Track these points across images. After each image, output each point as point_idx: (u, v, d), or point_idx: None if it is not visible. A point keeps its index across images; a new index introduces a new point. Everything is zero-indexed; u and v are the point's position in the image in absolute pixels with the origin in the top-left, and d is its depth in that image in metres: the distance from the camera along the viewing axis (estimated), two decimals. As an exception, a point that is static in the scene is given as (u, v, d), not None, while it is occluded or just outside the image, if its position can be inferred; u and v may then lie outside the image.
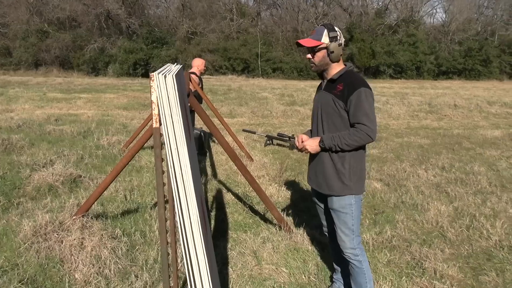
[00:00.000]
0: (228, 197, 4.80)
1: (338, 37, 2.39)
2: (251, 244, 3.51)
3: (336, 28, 2.42)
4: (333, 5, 34.15)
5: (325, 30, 2.39)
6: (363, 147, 2.47)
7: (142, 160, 5.98)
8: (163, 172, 1.88)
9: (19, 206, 4.02)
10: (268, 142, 7.47)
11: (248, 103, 13.41)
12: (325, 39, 2.38)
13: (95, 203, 4.03)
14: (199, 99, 6.47)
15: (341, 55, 2.43)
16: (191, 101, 3.27)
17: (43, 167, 5.17)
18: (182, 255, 1.78)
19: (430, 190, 5.07)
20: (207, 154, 6.58)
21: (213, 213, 4.34)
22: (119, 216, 3.93)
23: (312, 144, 2.44)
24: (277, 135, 7.30)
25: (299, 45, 2.45)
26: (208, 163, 6.16)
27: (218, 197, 4.78)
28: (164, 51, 29.14)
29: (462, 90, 21.51)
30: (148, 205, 4.40)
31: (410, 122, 11.09)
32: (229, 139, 7.26)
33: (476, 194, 4.98)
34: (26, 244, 3.20)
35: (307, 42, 2.41)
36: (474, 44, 32.15)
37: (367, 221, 4.16)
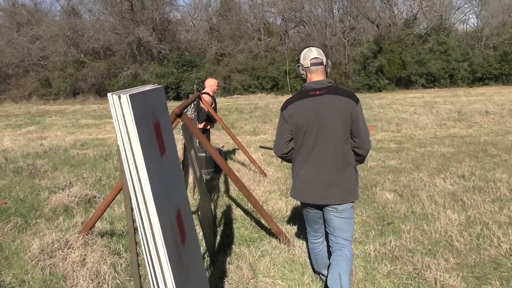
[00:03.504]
0: (237, 212, 4.85)
1: (299, 59, 2.77)
2: (250, 258, 3.54)
3: (303, 52, 2.77)
4: (360, 18, 34.02)
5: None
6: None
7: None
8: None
9: (33, 227, 4.23)
10: None
11: (272, 120, 13.49)
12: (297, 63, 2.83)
13: (104, 221, 4.19)
14: (212, 118, 6.61)
15: (302, 74, 2.75)
16: (184, 120, 3.38)
17: (62, 189, 5.42)
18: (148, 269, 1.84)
19: (444, 199, 4.93)
20: (222, 172, 6.66)
21: (220, 229, 4.39)
22: (125, 233, 4.05)
23: None
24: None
25: None
26: (222, 179, 6.24)
27: (227, 212, 4.84)
28: (194, 73, 29.84)
29: (498, 96, 20.74)
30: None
31: (437, 131, 10.81)
32: (242, 156, 7.36)
33: (494, 202, 4.80)
34: (33, 262, 3.36)
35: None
36: (510, 48, 31.04)
37: (373, 232, 4.09)
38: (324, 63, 2.73)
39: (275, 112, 16.32)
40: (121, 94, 1.82)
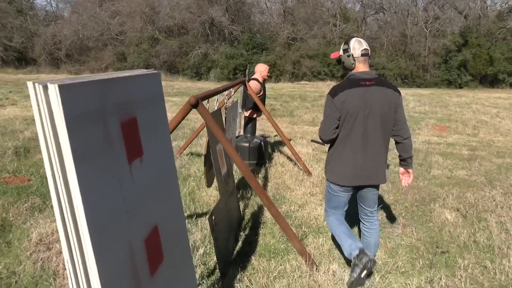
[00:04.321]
0: (268, 215, 4.33)
1: (349, 49, 2.81)
2: (264, 277, 3.02)
3: (352, 41, 2.83)
4: (446, 7, 31.45)
5: (343, 44, 2.90)
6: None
7: (191, 168, 5.78)
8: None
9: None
10: None
11: (334, 111, 12.70)
12: (341, 52, 2.89)
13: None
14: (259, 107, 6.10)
15: (352, 64, 2.81)
16: (200, 110, 2.90)
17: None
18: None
19: (518, 228, 4.06)
20: (265, 165, 6.16)
21: (244, 233, 3.92)
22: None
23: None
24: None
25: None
26: (262, 174, 5.74)
27: (256, 214, 4.34)
28: (264, 56, 29.41)
29: None
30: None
31: (521, 139, 9.48)
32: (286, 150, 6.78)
33: None
34: (28, 252, 3.10)
35: (333, 54, 2.99)
36: None
37: (421, 262, 3.39)
38: (369, 55, 2.89)
39: (340, 102, 15.44)
40: (48, 83, 1.35)
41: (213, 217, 3.16)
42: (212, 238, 3.04)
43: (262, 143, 6.27)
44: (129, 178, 1.70)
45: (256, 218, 4.24)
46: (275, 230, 3.99)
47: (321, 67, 29.37)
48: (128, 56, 31.70)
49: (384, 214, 4.44)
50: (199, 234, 3.72)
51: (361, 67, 2.80)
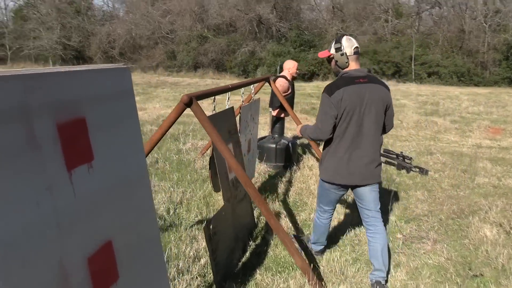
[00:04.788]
0: (284, 223, 4.03)
1: (342, 47, 2.76)
2: (261, 297, 2.74)
3: (344, 39, 2.79)
4: (508, 0, 29.31)
5: (333, 42, 2.84)
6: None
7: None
8: None
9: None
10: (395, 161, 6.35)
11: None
12: (332, 51, 2.82)
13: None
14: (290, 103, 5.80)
15: (346, 62, 2.78)
16: (194, 110, 2.65)
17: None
18: None
19: None
20: (292, 167, 5.84)
21: (254, 243, 3.64)
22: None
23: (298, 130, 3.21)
24: (383, 152, 6.16)
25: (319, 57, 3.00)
26: (286, 178, 5.43)
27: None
28: (311, 54, 28.86)
29: None
30: (191, 222, 3.93)
31: None
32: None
33: None
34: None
35: (322, 54, 2.93)
36: None
37: (447, 287, 2.96)
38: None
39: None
40: None
41: (210, 226, 2.91)
42: (207, 248, 2.80)
43: (290, 144, 5.96)
44: (66, 186, 1.46)
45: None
46: (289, 240, 3.68)
47: (370, 64, 28.33)
48: (178, 54, 32.23)
49: (413, 227, 4.00)
50: (204, 242, 3.49)
51: (353, 65, 2.81)
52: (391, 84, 24.82)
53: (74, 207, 1.44)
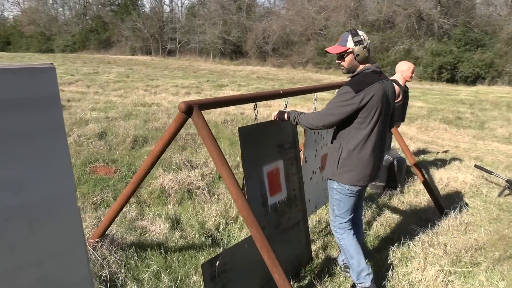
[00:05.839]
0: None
1: (363, 40, 2.54)
2: None
3: (360, 32, 2.56)
4: None
5: (350, 36, 2.55)
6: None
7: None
8: None
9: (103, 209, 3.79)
10: (508, 190, 4.93)
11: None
12: (350, 44, 2.54)
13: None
14: (397, 113, 4.83)
15: (367, 56, 2.57)
16: (194, 121, 2.12)
17: (194, 168, 4.89)
18: None
19: None
20: (394, 190, 4.85)
21: (304, 282, 2.97)
22: (173, 249, 3.14)
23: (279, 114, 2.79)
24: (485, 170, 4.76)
25: (328, 52, 2.65)
26: (381, 202, 4.49)
27: (324, 263, 3.29)
28: (478, 54, 25.33)
29: None
30: (232, 241, 3.43)
31: None
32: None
33: None
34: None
35: (334, 49, 2.60)
36: None
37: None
38: None
39: None
40: None
41: (216, 263, 2.36)
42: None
43: (396, 161, 4.97)
44: None
45: (327, 263, 3.21)
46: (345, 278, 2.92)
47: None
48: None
49: None
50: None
51: (369, 60, 2.63)
52: None
53: None
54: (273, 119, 2.80)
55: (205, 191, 4.17)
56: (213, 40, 37.30)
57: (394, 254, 3.33)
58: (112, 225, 3.28)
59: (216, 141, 2.16)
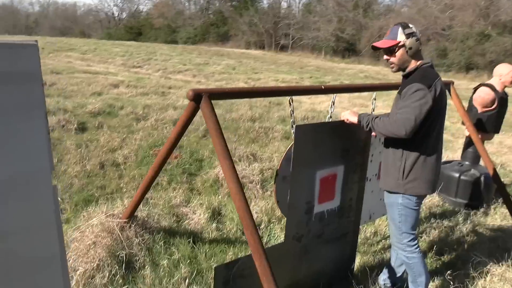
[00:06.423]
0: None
1: (415, 32, 2.34)
2: None
3: (411, 25, 2.37)
4: None
5: (400, 28, 2.35)
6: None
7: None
8: None
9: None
10: None
11: None
12: (401, 37, 2.34)
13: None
14: (491, 126, 4.23)
15: (419, 50, 2.38)
16: (203, 110, 2.01)
17: (254, 161, 4.78)
18: None
19: None
20: (478, 210, 4.23)
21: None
22: (205, 240, 3.09)
23: (348, 115, 2.51)
24: None
25: (375, 48, 2.43)
26: (460, 223, 3.94)
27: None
28: None
29: None
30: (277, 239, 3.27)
31: None
32: None
33: None
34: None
35: (383, 43, 2.39)
36: None
37: None
38: None
39: None
40: None
41: (234, 267, 2.23)
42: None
43: (483, 177, 4.33)
44: None
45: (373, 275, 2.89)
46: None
47: None
48: (449, 53, 29.21)
49: None
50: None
51: (422, 56, 2.43)
52: None
53: None
54: (344, 120, 2.54)
55: (257, 186, 4.05)
56: (326, 37, 36.76)
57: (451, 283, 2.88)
58: (152, 208, 3.34)
59: (223, 133, 2.04)
